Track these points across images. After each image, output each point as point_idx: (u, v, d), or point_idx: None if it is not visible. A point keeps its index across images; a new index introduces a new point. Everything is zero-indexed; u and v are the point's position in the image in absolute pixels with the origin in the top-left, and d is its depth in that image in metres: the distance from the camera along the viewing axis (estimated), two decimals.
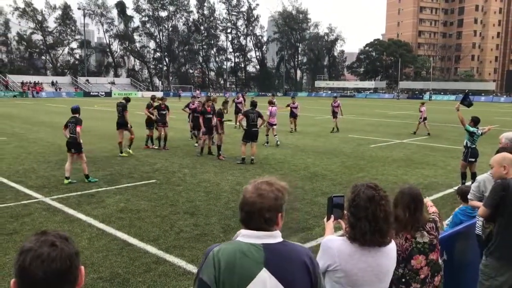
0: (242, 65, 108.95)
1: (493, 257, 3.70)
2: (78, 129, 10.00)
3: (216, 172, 11.55)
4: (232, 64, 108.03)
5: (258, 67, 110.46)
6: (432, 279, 3.17)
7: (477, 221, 4.39)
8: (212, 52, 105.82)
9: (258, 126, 13.25)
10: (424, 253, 3.10)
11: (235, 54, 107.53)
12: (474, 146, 10.08)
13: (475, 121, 10.15)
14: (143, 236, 6.68)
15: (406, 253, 3.09)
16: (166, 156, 13.90)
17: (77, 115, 10.26)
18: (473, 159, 10.07)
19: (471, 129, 10.02)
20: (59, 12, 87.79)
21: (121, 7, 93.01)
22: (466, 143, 10.17)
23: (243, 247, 1.90)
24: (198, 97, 20.43)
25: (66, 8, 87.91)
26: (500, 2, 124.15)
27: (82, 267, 1.48)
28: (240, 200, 1.98)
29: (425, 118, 21.34)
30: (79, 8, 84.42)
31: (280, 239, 1.96)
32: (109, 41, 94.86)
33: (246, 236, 1.94)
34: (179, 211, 7.97)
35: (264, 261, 1.88)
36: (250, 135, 12.94)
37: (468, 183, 9.95)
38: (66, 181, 10.01)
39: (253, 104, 13.67)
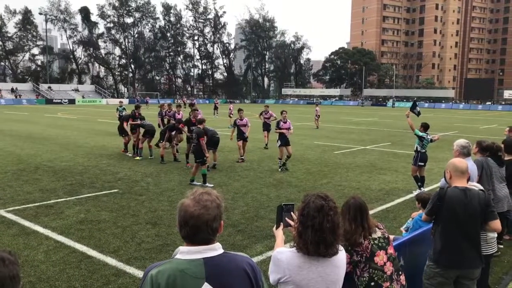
0: (210, 72, 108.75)
1: (432, 260, 3.92)
2: None
3: (181, 181, 11.42)
4: (200, 71, 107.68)
5: (225, 74, 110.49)
6: (398, 277, 3.24)
7: None
8: (179, 59, 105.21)
9: (218, 134, 13.53)
10: (383, 248, 3.19)
11: (203, 61, 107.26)
12: (424, 151, 10.56)
13: (425, 127, 10.65)
14: (103, 247, 6.50)
15: (368, 251, 3.14)
16: (129, 165, 13.65)
17: None
18: (422, 163, 10.52)
19: (420, 133, 10.51)
20: (19, 17, 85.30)
21: (85, 13, 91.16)
22: (416, 147, 10.65)
23: (182, 265, 1.87)
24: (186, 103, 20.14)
25: (26, 13, 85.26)
26: (457, 13, 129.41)
27: None
28: (181, 216, 1.93)
29: (318, 116, 29.53)
30: (40, 13, 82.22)
31: (220, 251, 1.95)
32: (72, 47, 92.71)
33: (185, 253, 1.91)
34: (141, 222, 7.81)
35: (206, 276, 1.87)
36: (211, 143, 12.99)
37: (424, 189, 10.31)
38: None
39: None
